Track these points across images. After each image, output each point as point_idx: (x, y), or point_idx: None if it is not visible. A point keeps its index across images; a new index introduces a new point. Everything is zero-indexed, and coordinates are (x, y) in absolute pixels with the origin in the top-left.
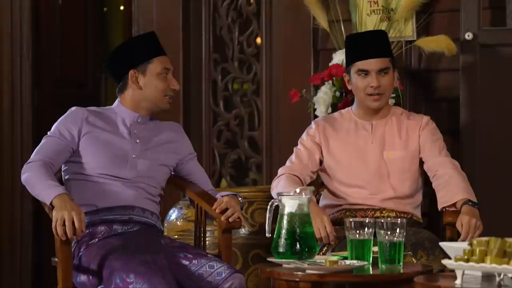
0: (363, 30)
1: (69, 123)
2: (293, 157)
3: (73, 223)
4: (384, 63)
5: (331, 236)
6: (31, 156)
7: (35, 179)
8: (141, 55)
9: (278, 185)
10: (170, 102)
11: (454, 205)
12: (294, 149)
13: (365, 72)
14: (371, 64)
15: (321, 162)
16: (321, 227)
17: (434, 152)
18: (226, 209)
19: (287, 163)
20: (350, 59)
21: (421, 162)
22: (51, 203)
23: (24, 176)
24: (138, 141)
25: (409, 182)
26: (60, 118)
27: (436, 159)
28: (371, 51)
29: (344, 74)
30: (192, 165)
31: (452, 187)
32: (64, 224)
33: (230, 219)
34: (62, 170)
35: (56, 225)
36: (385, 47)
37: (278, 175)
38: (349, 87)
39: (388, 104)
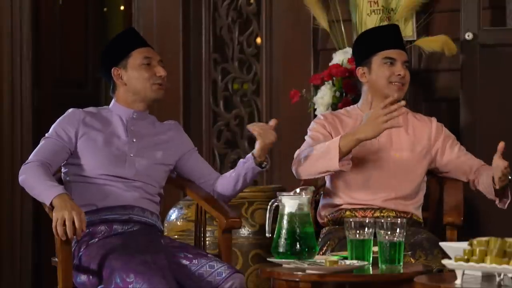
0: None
1: (66, 125)
2: (309, 141)
3: (73, 222)
4: (406, 56)
5: None
6: (29, 158)
7: (33, 180)
8: (119, 51)
9: (307, 155)
10: (160, 89)
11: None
12: (306, 137)
13: (391, 61)
14: (399, 54)
15: None
16: None
17: (463, 158)
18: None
19: (303, 146)
20: (374, 48)
21: (423, 163)
22: (51, 203)
23: (22, 178)
24: (135, 140)
25: (412, 183)
26: (58, 119)
27: (469, 162)
28: (398, 42)
29: (357, 68)
30: (194, 159)
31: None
32: (64, 224)
33: (266, 140)
34: (62, 172)
35: (56, 225)
36: (403, 42)
37: (297, 156)
38: (364, 80)
39: None
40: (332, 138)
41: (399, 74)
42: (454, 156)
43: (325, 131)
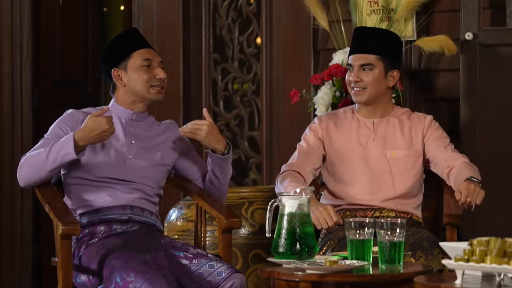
0: None
1: (64, 126)
2: (296, 153)
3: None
4: (367, 59)
5: (339, 221)
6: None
7: (38, 162)
8: (120, 52)
9: (282, 183)
10: (159, 92)
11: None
12: (297, 145)
13: (348, 67)
14: (354, 59)
15: (324, 158)
16: (327, 217)
17: (442, 150)
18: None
19: (290, 159)
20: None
21: (420, 161)
22: (80, 150)
23: (19, 173)
24: (133, 141)
25: (411, 181)
26: (56, 120)
27: (446, 155)
28: (357, 47)
29: None
30: (191, 160)
31: (462, 174)
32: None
33: (198, 137)
34: (62, 173)
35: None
36: (376, 44)
37: (281, 171)
38: None
39: (390, 103)
40: (324, 146)
41: (350, 80)
42: (433, 147)
43: (316, 140)
